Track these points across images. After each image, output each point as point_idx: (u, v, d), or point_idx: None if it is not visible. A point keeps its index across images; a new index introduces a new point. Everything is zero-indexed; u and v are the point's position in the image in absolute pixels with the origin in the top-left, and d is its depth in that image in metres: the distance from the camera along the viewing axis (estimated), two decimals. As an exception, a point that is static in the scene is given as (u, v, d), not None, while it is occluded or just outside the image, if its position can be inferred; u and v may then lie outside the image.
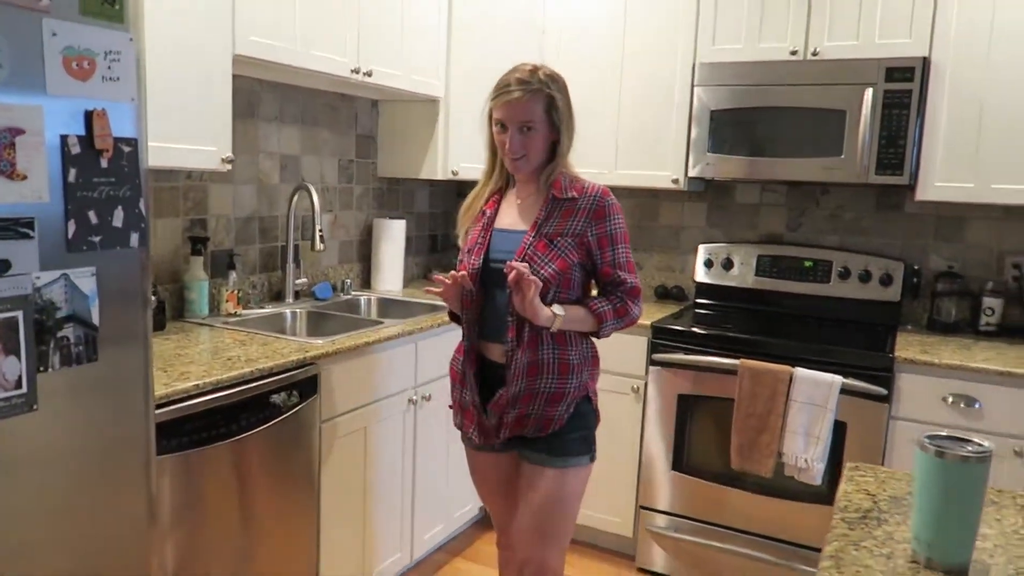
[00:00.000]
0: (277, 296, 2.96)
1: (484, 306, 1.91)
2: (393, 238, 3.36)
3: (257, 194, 2.87)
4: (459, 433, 2.07)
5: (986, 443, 1.15)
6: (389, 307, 3.17)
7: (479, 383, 1.93)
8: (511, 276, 1.70)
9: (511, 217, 1.92)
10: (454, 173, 3.34)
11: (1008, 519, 1.35)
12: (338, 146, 3.23)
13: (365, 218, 3.42)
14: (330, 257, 3.24)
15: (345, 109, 3.25)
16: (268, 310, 2.79)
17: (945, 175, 2.73)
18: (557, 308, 1.79)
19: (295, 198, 2.92)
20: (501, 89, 1.81)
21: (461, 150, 3.33)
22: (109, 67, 1.38)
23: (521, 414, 1.86)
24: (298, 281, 2.96)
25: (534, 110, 1.78)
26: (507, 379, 1.85)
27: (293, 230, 2.94)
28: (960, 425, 2.44)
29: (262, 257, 2.91)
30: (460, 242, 2.01)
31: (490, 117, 1.87)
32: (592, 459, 1.93)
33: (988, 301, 2.93)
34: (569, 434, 1.88)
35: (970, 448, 1.14)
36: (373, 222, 3.39)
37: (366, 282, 3.43)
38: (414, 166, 3.38)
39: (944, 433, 1.18)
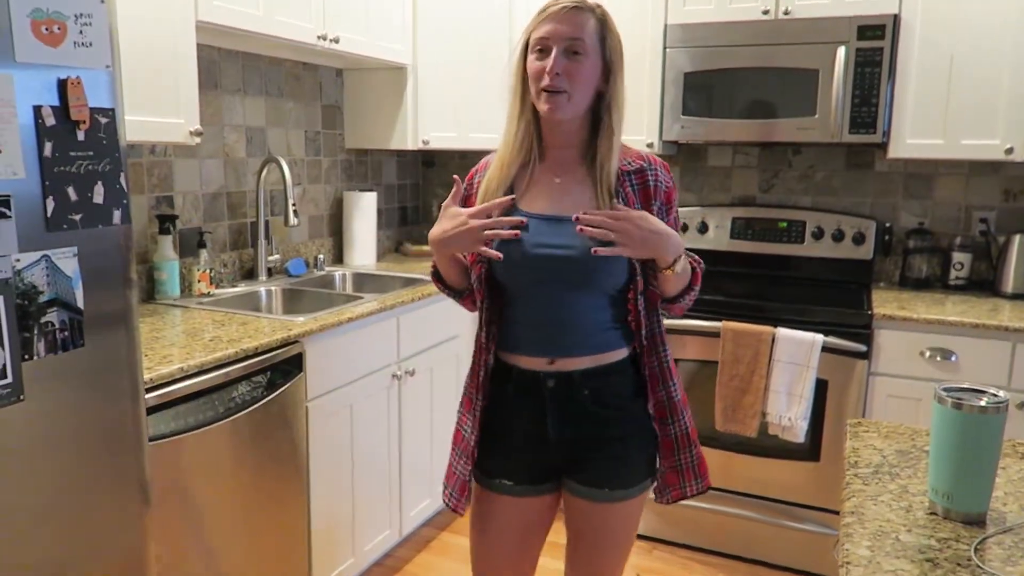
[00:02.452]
0: (249, 274, 2.87)
1: (516, 310, 1.52)
2: (364, 211, 3.28)
3: (224, 168, 2.75)
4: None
5: (1001, 393, 1.16)
6: (364, 282, 3.10)
7: (523, 405, 1.53)
8: None
9: (545, 200, 1.49)
10: (425, 143, 3.26)
11: (1012, 467, 1.37)
12: (304, 117, 3.13)
13: (334, 191, 3.32)
14: (301, 232, 3.15)
15: (309, 78, 3.13)
16: (241, 289, 2.70)
17: (916, 132, 2.76)
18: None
19: (264, 172, 2.82)
20: (546, 7, 1.43)
21: (431, 119, 3.24)
22: (80, 31, 1.29)
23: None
24: (270, 258, 2.87)
25: (586, 27, 1.40)
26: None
27: (263, 205, 2.84)
28: (938, 378, 2.50)
29: (232, 234, 2.81)
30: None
31: (523, 59, 1.46)
32: (653, 480, 1.62)
33: (957, 256, 2.98)
34: (633, 454, 1.58)
35: (986, 399, 1.15)
36: (343, 195, 3.30)
37: (338, 257, 3.34)
38: (383, 136, 3.29)
39: (965, 385, 1.18)
